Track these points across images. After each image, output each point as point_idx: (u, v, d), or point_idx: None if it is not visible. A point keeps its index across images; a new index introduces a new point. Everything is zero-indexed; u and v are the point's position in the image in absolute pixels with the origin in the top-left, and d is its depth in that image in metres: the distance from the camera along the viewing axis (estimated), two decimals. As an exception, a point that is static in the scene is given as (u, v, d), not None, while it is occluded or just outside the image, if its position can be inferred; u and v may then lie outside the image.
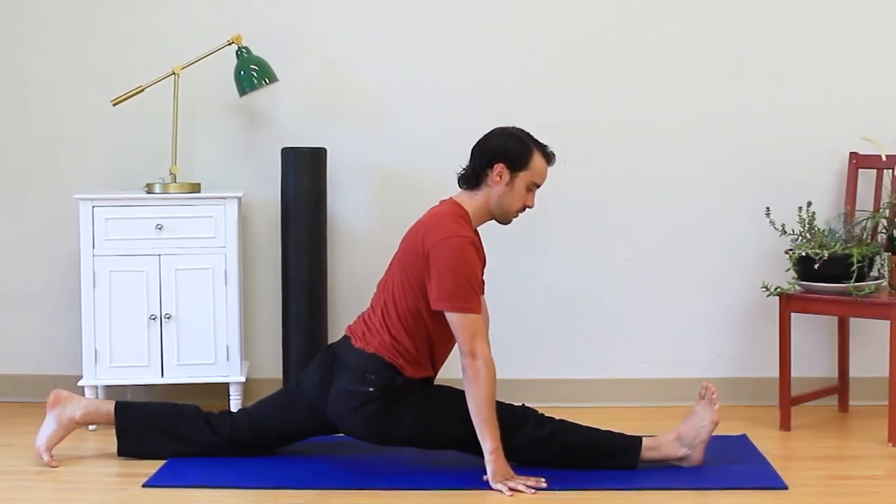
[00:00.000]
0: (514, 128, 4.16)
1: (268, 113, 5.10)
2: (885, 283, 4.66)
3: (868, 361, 4.98)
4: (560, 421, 4.16)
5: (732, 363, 5.11)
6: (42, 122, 5.12)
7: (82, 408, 4.31)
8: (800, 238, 4.74)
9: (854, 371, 5.00)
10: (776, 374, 4.74)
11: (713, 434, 4.14)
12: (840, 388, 4.99)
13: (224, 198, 4.77)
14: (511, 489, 3.93)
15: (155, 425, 4.31)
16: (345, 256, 5.11)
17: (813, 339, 5.06)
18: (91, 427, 4.64)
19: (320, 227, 4.95)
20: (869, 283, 4.56)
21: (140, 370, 4.75)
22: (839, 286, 4.56)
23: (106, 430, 4.47)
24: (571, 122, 5.03)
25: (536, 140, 4.14)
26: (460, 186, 4.17)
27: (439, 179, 4.49)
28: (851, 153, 4.96)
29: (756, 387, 5.05)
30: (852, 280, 4.53)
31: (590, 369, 5.12)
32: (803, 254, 4.62)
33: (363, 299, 4.36)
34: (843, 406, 4.99)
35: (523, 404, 4.19)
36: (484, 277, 4.15)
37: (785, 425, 4.70)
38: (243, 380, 4.82)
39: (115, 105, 4.86)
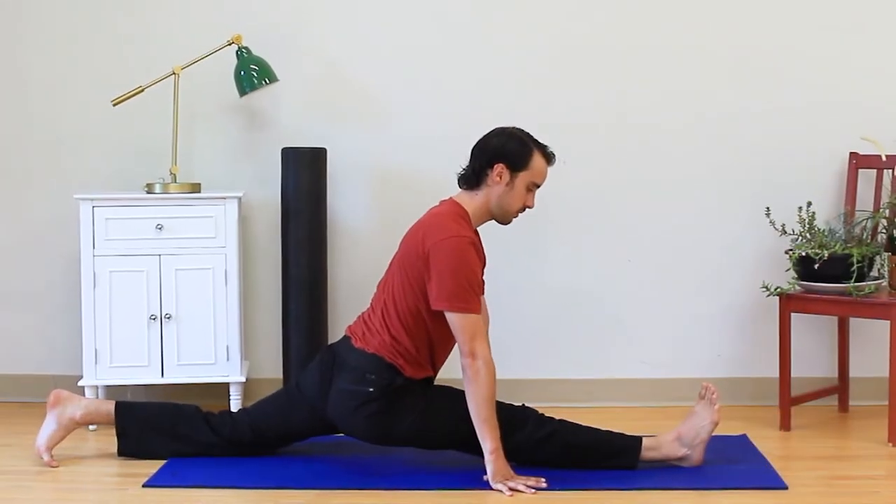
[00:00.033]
0: (514, 128, 4.16)
1: (268, 113, 5.10)
2: (885, 283, 4.67)
3: (868, 361, 4.98)
4: (560, 421, 4.16)
5: (732, 363, 5.11)
6: (42, 122, 5.13)
7: (82, 408, 4.31)
8: (800, 238, 4.74)
9: (854, 371, 5.00)
10: (776, 374, 4.74)
11: (713, 434, 4.14)
12: (840, 388, 4.99)
13: (224, 198, 4.77)
14: (511, 489, 3.92)
15: (155, 425, 4.31)
16: (345, 256, 5.11)
17: (813, 339, 5.06)
18: (91, 427, 4.64)
19: (320, 227, 4.95)
20: (869, 283, 4.56)
21: (140, 370, 4.75)
22: (839, 286, 4.56)
23: (106, 430, 4.47)
24: (571, 122, 5.03)
25: (536, 140, 4.14)
26: (460, 186, 4.17)
27: (439, 179, 4.49)
28: (851, 153, 4.96)
29: (756, 387, 5.05)
30: (852, 280, 4.53)
31: (590, 369, 5.12)
32: (803, 254, 4.62)
33: (363, 299, 4.36)
34: (843, 406, 4.99)
35: (523, 404, 4.19)
36: (484, 277, 4.15)
37: (785, 425, 4.70)
38: (243, 380, 4.82)
39: (115, 105, 4.86)
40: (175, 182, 4.83)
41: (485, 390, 3.95)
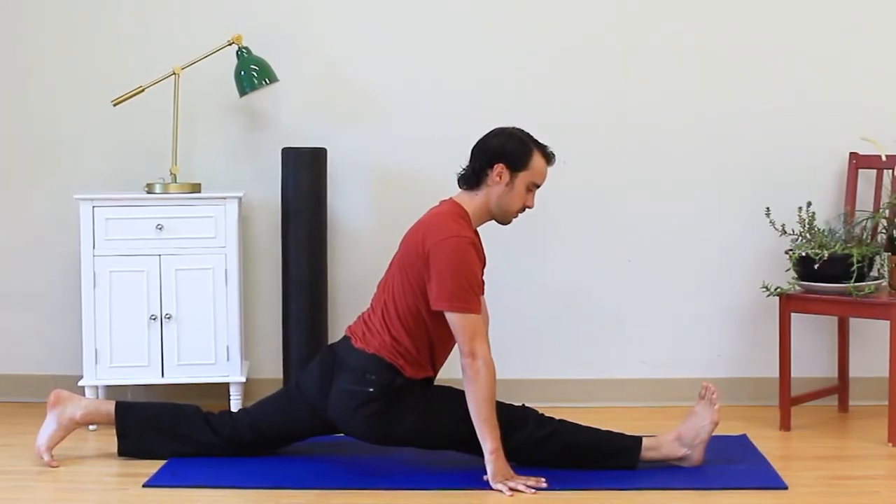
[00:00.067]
0: (514, 128, 4.16)
1: (268, 113, 5.11)
2: (885, 283, 4.67)
3: (868, 361, 4.98)
4: (560, 421, 4.16)
5: (732, 363, 5.11)
6: (42, 122, 5.13)
7: (83, 408, 4.31)
8: (800, 238, 4.74)
9: (854, 371, 5.00)
10: (776, 374, 4.74)
11: (713, 434, 4.14)
12: (840, 388, 4.99)
13: (224, 198, 4.77)
14: (511, 489, 3.93)
15: (155, 425, 4.31)
16: (345, 256, 5.11)
17: (813, 339, 5.06)
18: (91, 427, 4.64)
19: (320, 227, 4.95)
20: (869, 283, 4.56)
21: (140, 370, 4.75)
22: (839, 286, 4.56)
23: (106, 430, 4.47)
24: (571, 122, 5.03)
25: (536, 140, 4.14)
26: (460, 186, 4.17)
27: (439, 179, 4.49)
28: (851, 153, 4.96)
29: (756, 387, 5.05)
30: (852, 280, 4.53)
31: (590, 369, 5.12)
32: (803, 254, 4.62)
33: (363, 299, 4.36)
34: (843, 406, 4.99)
35: (523, 404, 4.19)
36: (484, 277, 4.15)
37: (785, 425, 4.70)
38: (243, 380, 4.82)
39: (115, 105, 4.86)
40: (175, 182, 4.83)
41: (485, 390, 3.95)
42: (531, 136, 4.14)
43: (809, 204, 4.74)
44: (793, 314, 4.70)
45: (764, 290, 4.74)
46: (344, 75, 5.10)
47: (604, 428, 4.20)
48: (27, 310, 5.16)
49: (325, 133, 5.05)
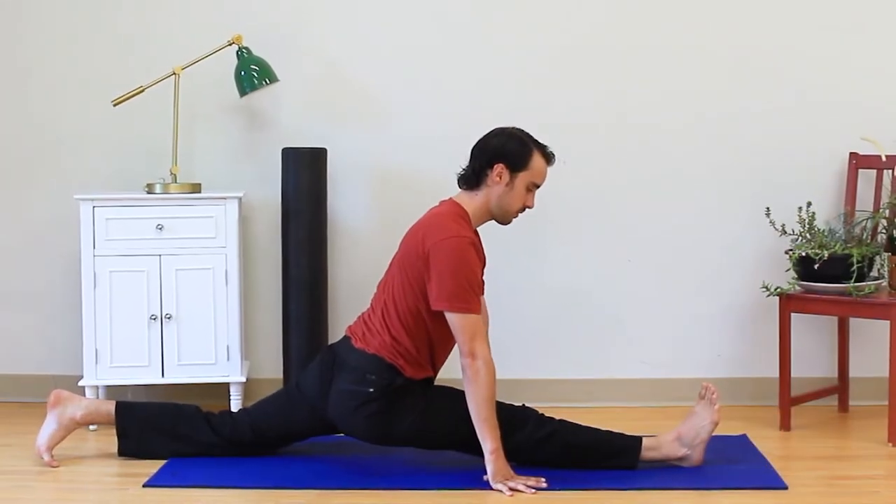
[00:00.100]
0: (514, 128, 4.16)
1: (268, 113, 5.11)
2: (885, 283, 4.67)
3: (868, 361, 4.98)
4: (560, 421, 4.16)
5: (732, 363, 5.11)
6: (42, 122, 5.13)
7: (83, 408, 4.31)
8: (800, 238, 4.74)
9: (854, 371, 5.00)
10: (776, 374, 4.74)
11: (713, 434, 4.14)
12: (840, 388, 4.99)
13: (224, 198, 4.77)
14: (511, 489, 3.93)
15: (155, 425, 4.31)
16: (345, 256, 5.11)
17: (813, 339, 5.06)
18: (92, 427, 4.64)
19: (320, 227, 4.95)
20: (869, 283, 4.56)
21: (140, 370, 4.75)
22: (839, 286, 4.56)
23: (106, 430, 4.47)
24: (571, 122, 5.03)
25: (536, 140, 4.14)
26: (460, 187, 4.17)
27: (439, 179, 4.49)
28: (851, 153, 4.96)
29: (756, 387, 5.05)
30: (852, 280, 4.53)
31: (590, 369, 5.12)
32: (803, 254, 4.62)
33: (363, 299, 4.36)
34: (843, 406, 4.99)
35: (523, 404, 4.19)
36: (484, 278, 4.15)
37: (785, 425, 4.70)
38: (244, 380, 4.82)
39: (115, 105, 4.86)
40: (175, 182, 4.83)
41: (485, 390, 3.95)
42: (531, 136, 4.14)
43: (809, 204, 4.74)
44: (793, 314, 4.70)
45: (764, 290, 4.74)
46: (344, 75, 5.10)
47: (604, 428, 4.20)
48: (27, 310, 5.16)
49: (325, 133, 5.05)
